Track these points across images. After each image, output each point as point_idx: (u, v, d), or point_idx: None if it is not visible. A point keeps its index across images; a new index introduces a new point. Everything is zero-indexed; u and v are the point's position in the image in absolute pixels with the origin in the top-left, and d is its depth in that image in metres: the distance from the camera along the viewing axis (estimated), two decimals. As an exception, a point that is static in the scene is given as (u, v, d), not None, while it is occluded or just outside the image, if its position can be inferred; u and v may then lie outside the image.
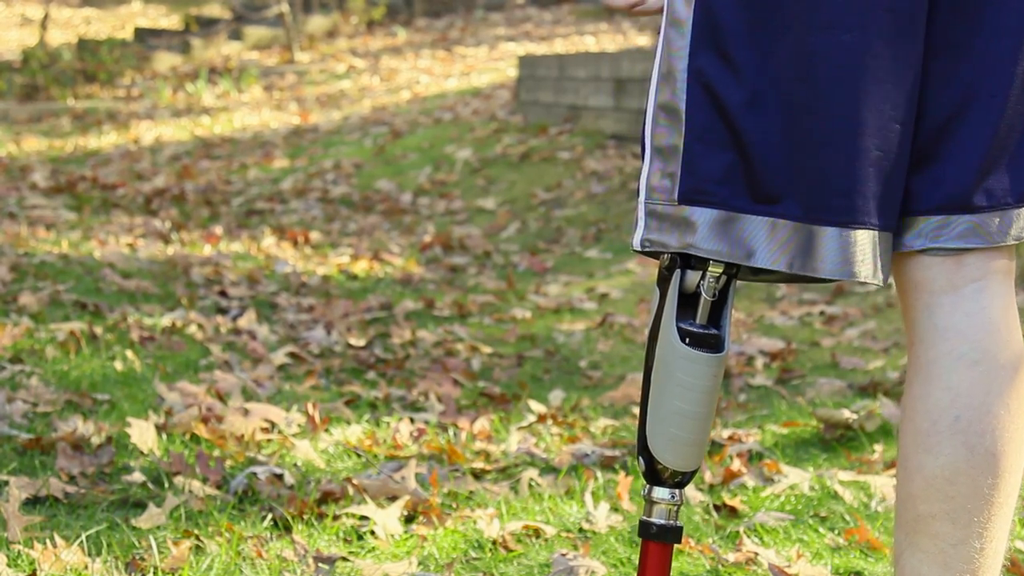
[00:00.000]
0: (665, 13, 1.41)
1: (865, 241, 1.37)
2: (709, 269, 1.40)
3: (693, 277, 1.42)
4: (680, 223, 1.39)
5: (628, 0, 1.51)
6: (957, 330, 1.40)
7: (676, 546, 1.69)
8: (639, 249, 1.43)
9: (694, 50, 1.39)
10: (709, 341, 1.42)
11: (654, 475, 1.45)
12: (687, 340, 1.41)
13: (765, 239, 1.37)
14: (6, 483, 2.41)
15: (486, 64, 12.23)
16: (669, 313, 1.42)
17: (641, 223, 1.42)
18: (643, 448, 1.45)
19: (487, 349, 4.08)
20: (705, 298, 1.41)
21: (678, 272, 1.41)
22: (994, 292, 1.42)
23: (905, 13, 1.35)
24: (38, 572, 2.01)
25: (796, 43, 1.35)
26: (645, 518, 1.46)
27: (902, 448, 1.43)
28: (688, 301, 1.43)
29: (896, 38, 1.34)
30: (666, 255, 1.41)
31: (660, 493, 1.46)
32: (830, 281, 1.41)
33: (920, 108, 1.38)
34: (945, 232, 1.40)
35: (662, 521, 1.46)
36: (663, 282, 1.43)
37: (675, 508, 1.46)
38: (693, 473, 1.45)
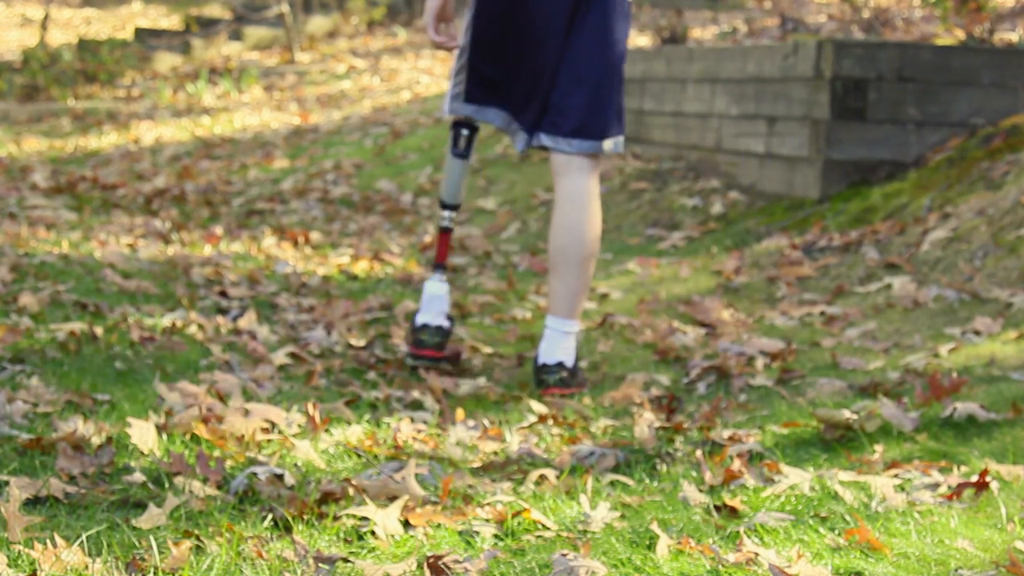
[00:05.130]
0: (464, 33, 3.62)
1: (520, 133, 3.56)
2: (463, 128, 3.69)
3: (462, 128, 3.69)
4: (462, 107, 3.63)
5: (440, 39, 3.56)
6: (567, 189, 3.51)
7: (676, 546, 2.24)
8: (447, 113, 3.65)
9: (471, 52, 3.57)
10: (461, 154, 3.70)
11: (443, 204, 3.74)
12: (453, 154, 3.71)
13: (493, 115, 3.60)
14: (6, 483, 2.41)
15: (486, 64, 12.22)
16: (449, 144, 3.70)
17: (447, 103, 3.65)
18: (440, 197, 3.76)
19: (487, 349, 4.08)
20: (466, 134, 3.69)
21: (456, 127, 3.70)
22: (585, 174, 3.51)
23: (554, 45, 3.46)
24: (38, 572, 2.01)
25: (504, 52, 3.51)
26: (438, 224, 3.79)
27: (548, 238, 3.53)
28: (457, 139, 3.70)
29: (537, 51, 3.47)
30: (457, 118, 3.68)
31: (444, 212, 3.74)
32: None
33: (551, 80, 3.49)
34: (560, 144, 3.50)
35: (446, 224, 3.75)
36: (451, 128, 3.70)
37: (449, 220, 3.76)
38: (448, 204, 3.75)
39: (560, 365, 3.55)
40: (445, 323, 3.69)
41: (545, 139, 3.53)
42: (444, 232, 3.72)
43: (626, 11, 3.49)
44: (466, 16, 3.59)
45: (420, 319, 3.70)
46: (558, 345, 3.58)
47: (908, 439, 2.95)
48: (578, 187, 3.49)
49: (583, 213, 3.48)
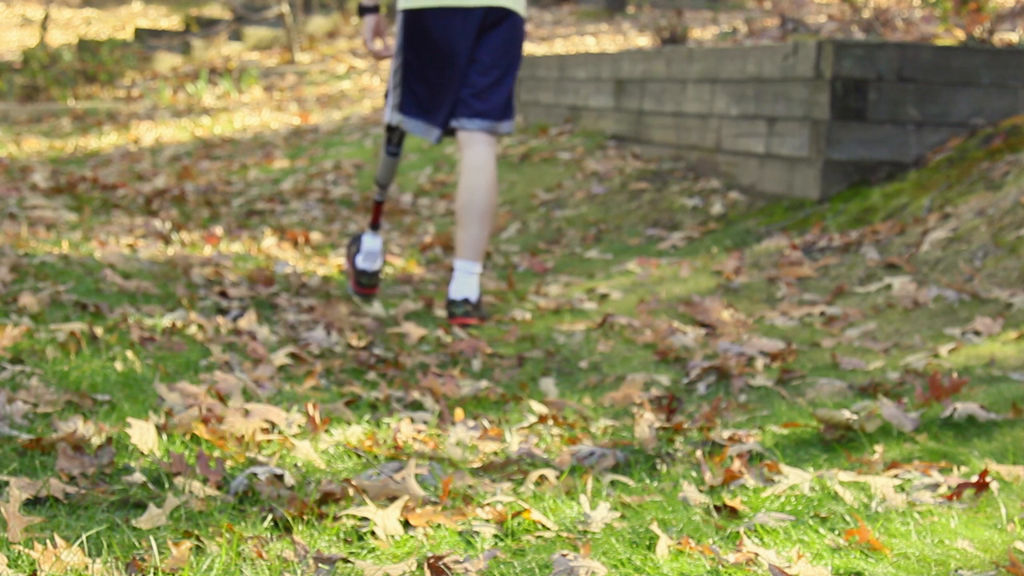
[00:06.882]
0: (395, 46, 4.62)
1: (434, 130, 4.52)
2: (398, 129, 4.66)
3: (394, 132, 4.68)
4: (398, 117, 4.58)
5: (378, 50, 4.66)
6: (469, 158, 4.47)
7: (676, 546, 2.24)
8: (388, 121, 4.64)
9: (403, 73, 4.55)
10: (393, 152, 4.73)
11: (378, 183, 4.83)
12: (388, 152, 4.76)
13: (414, 125, 4.57)
14: (6, 484, 2.41)
15: (486, 65, 12.20)
16: (384, 143, 4.74)
17: (387, 113, 4.64)
18: (376, 179, 4.86)
19: (487, 349, 4.08)
20: (397, 137, 4.69)
21: (390, 131, 4.69)
22: (484, 147, 4.47)
23: (465, 60, 4.46)
24: (38, 573, 2.01)
25: (428, 72, 4.48)
26: (373, 198, 4.91)
27: (456, 197, 4.52)
28: (391, 140, 4.74)
29: (452, 66, 4.46)
30: (393, 126, 4.64)
31: (378, 188, 4.84)
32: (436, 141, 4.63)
33: (462, 82, 4.49)
34: (464, 124, 4.48)
35: (379, 198, 4.91)
36: (385, 131, 4.70)
37: (381, 195, 4.87)
38: (382, 184, 4.85)
39: (466, 300, 4.40)
40: (378, 268, 4.78)
41: (454, 122, 4.50)
42: (378, 204, 4.88)
43: (523, 26, 4.50)
44: (395, 43, 4.55)
45: (360, 266, 4.78)
46: (465, 283, 4.44)
47: (908, 439, 2.95)
48: (480, 157, 4.46)
49: (484, 177, 4.45)
